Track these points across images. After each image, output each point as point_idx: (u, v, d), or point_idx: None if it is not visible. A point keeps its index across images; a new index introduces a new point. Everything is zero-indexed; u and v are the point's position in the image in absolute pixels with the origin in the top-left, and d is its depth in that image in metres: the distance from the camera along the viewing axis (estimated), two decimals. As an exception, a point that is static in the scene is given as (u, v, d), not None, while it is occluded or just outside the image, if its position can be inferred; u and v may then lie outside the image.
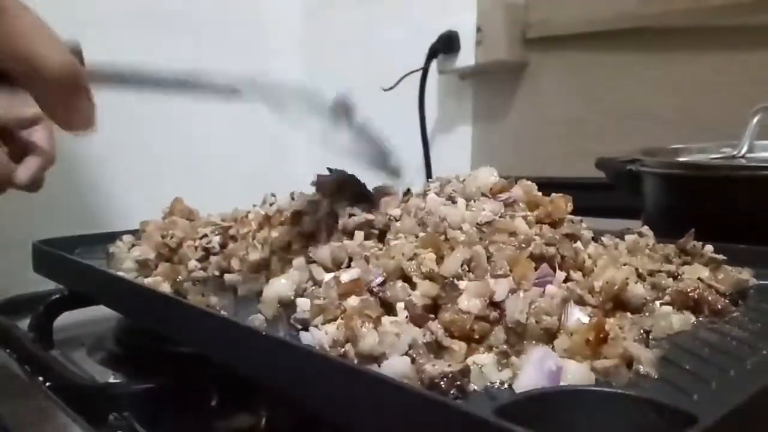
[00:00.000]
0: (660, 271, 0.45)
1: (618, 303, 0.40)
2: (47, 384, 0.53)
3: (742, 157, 0.68)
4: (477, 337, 0.36)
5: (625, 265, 0.44)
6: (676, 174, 0.67)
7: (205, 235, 0.57)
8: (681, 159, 0.71)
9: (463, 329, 0.36)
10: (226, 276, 0.54)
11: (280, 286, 0.44)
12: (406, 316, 0.37)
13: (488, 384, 0.33)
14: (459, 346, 0.34)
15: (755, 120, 0.68)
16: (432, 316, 0.37)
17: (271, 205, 0.60)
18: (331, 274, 0.43)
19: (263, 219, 0.58)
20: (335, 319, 0.38)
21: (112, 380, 0.55)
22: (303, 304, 0.41)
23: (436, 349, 0.35)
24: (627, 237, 0.52)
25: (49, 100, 0.39)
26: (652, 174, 0.69)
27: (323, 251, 0.45)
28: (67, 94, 0.39)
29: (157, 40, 1.08)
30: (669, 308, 0.41)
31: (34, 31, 0.37)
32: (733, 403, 0.27)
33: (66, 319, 0.66)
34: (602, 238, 0.51)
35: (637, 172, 0.70)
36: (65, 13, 0.41)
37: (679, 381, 0.31)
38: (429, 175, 1.18)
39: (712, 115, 0.85)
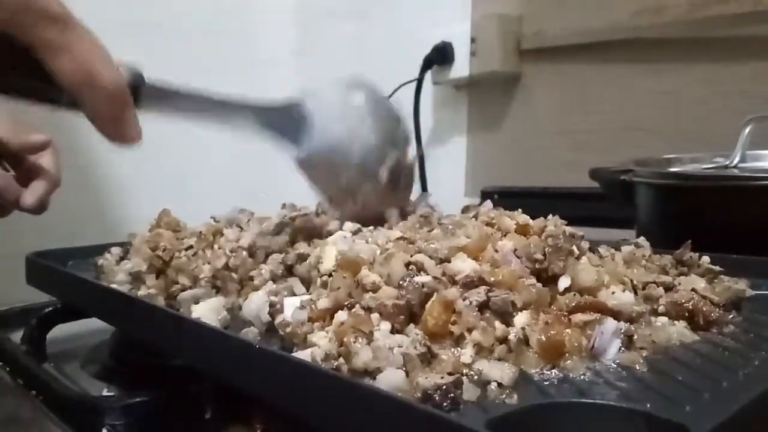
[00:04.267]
0: (653, 282, 0.45)
1: (601, 309, 0.39)
2: (40, 397, 0.52)
3: (735, 167, 0.68)
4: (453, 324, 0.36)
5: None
6: (668, 184, 0.67)
7: (191, 246, 0.57)
8: (673, 169, 0.72)
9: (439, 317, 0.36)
10: (181, 295, 0.53)
11: (258, 299, 0.44)
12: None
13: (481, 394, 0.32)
14: (447, 355, 0.35)
15: (747, 130, 0.69)
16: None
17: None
18: (306, 296, 0.43)
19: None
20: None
21: (105, 393, 0.55)
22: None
23: (429, 359, 0.35)
24: (623, 248, 0.52)
25: (103, 114, 0.43)
26: (645, 184, 0.69)
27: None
28: (120, 108, 0.43)
29: (150, 51, 1.08)
30: (665, 319, 0.41)
31: (93, 49, 0.42)
32: (726, 414, 0.27)
33: (59, 331, 0.65)
34: (599, 249, 0.51)
35: (630, 182, 0.71)
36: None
37: (672, 392, 0.31)
38: (424, 184, 1.18)
39: (704, 126, 0.85)
